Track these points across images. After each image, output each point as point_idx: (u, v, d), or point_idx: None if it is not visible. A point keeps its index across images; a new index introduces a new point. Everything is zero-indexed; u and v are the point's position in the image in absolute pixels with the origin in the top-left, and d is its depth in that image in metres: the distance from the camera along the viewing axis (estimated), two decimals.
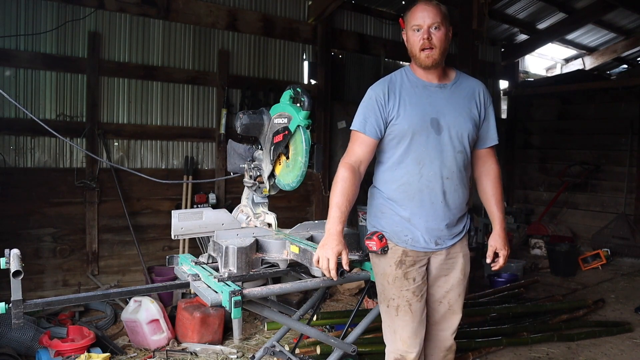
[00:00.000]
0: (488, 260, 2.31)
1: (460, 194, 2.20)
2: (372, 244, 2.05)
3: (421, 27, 2.07)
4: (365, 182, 2.19)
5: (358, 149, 2.12)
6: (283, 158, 2.47)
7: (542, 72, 10.06)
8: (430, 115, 2.12)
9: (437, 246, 2.18)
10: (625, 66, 9.59)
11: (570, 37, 8.44)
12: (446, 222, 2.17)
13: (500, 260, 2.29)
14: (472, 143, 2.22)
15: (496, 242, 2.29)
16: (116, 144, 4.81)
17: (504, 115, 8.94)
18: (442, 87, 2.18)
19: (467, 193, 2.25)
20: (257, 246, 2.26)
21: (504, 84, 8.85)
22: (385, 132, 2.14)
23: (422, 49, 2.08)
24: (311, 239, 2.37)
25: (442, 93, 2.17)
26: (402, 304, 2.13)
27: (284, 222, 2.61)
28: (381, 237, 2.07)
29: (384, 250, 2.07)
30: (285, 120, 2.38)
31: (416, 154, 2.12)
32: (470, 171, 2.29)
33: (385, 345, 2.26)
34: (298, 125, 2.32)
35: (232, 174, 2.82)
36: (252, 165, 2.63)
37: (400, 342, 2.14)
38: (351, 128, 2.17)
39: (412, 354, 2.15)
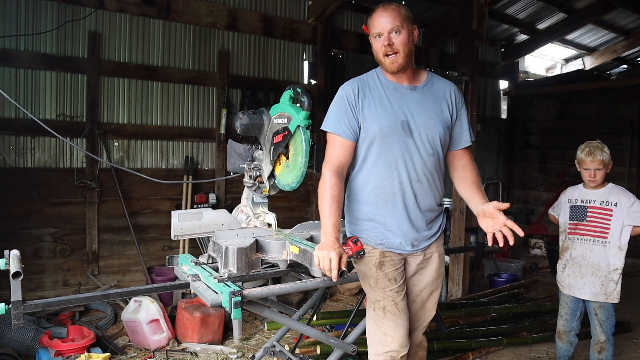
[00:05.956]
0: (502, 206, 1.96)
1: (432, 197, 2.19)
2: (347, 249, 2.03)
3: (382, 34, 2.07)
4: None
5: (339, 153, 2.11)
6: (283, 158, 2.47)
7: (542, 72, 10.06)
8: (400, 118, 2.11)
9: (414, 248, 2.19)
10: (625, 66, 9.58)
11: (570, 37, 8.44)
12: (420, 224, 2.18)
13: (508, 222, 1.94)
14: (444, 145, 2.20)
15: (491, 203, 2.02)
16: (116, 144, 4.82)
17: (504, 115, 8.94)
18: (413, 89, 2.17)
19: (439, 195, 2.24)
20: (257, 246, 2.26)
21: (504, 84, 8.85)
22: (359, 132, 2.13)
23: (386, 55, 2.07)
24: (311, 239, 2.37)
25: (413, 95, 2.16)
26: (389, 304, 2.14)
27: (284, 222, 2.60)
28: (356, 241, 2.05)
29: (360, 254, 2.05)
30: (285, 121, 2.37)
31: (387, 157, 2.11)
32: (443, 173, 2.27)
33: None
34: (298, 126, 2.32)
35: (232, 174, 2.82)
36: (252, 165, 2.63)
37: (392, 343, 2.14)
38: (325, 129, 2.14)
39: (403, 352, 2.16)
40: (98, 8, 4.56)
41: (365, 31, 2.18)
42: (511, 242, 1.95)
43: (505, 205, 1.98)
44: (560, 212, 3.16)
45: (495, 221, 1.99)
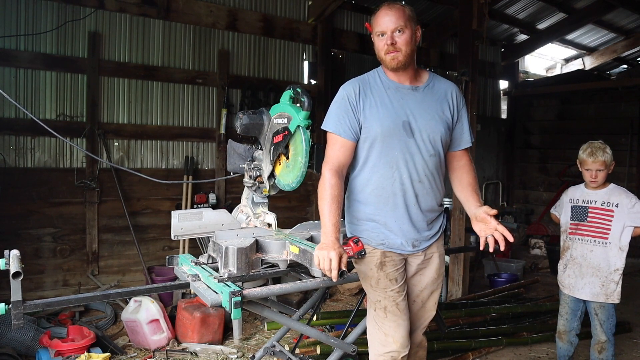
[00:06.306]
0: (491, 213, 2.02)
1: (433, 197, 2.20)
2: (348, 249, 2.02)
3: (385, 33, 2.07)
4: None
5: (339, 153, 2.11)
6: (283, 158, 2.47)
7: (542, 72, 10.07)
8: (402, 118, 2.10)
9: (414, 248, 2.18)
10: (625, 66, 9.59)
11: (570, 37, 8.45)
12: (421, 225, 2.18)
13: (499, 227, 1.97)
14: (445, 146, 2.20)
15: (482, 208, 2.06)
16: (116, 144, 4.82)
17: (504, 115, 8.94)
18: (415, 89, 2.16)
19: (440, 195, 2.24)
20: (257, 246, 2.25)
21: (504, 84, 8.85)
22: (360, 133, 2.13)
23: (387, 53, 2.08)
24: (311, 239, 2.37)
25: (414, 95, 2.15)
26: (390, 304, 2.14)
27: (284, 222, 2.60)
28: (357, 242, 2.04)
29: (361, 254, 2.05)
30: (285, 121, 2.37)
31: (388, 158, 2.11)
32: (444, 173, 2.27)
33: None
34: (298, 126, 2.32)
35: (232, 174, 2.82)
36: (252, 165, 2.63)
37: (393, 343, 2.14)
38: (325, 129, 2.14)
39: (404, 352, 2.15)
40: (98, 8, 4.56)
41: (368, 29, 2.18)
42: (502, 247, 1.98)
43: (494, 211, 2.03)
44: (562, 211, 3.15)
45: (487, 225, 2.04)
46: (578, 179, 3.16)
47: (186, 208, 5.00)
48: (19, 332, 3.46)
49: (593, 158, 2.91)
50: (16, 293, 1.81)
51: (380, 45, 2.10)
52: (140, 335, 3.72)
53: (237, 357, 3.65)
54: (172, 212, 2.47)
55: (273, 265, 2.29)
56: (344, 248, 1.99)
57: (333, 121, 2.13)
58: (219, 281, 2.03)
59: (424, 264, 2.24)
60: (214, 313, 3.81)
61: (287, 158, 2.44)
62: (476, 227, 2.10)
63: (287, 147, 2.42)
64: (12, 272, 1.80)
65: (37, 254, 4.44)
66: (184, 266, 2.39)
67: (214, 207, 5.08)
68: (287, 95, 2.41)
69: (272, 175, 2.54)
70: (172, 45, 5.03)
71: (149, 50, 4.91)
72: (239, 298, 1.90)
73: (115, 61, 4.73)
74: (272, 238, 2.31)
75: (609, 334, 2.99)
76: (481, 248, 2.08)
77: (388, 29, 2.06)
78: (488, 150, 8.50)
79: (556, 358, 3.28)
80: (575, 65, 9.44)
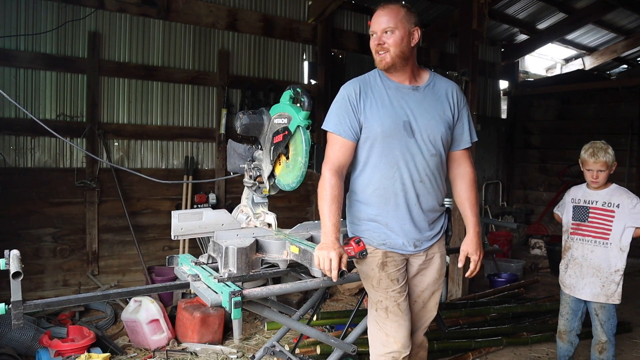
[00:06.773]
0: (460, 264, 2.27)
1: (434, 197, 2.20)
2: (350, 249, 2.03)
3: (375, 33, 2.10)
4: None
5: (339, 153, 2.11)
6: (283, 158, 2.47)
7: (542, 72, 10.07)
8: (402, 118, 2.10)
9: (416, 249, 2.18)
10: (625, 66, 9.59)
11: (570, 37, 8.45)
12: (422, 225, 2.18)
13: (471, 266, 2.24)
14: (446, 145, 2.20)
15: (468, 247, 2.25)
16: (116, 144, 4.82)
17: (504, 115, 8.94)
18: (415, 89, 2.17)
19: (441, 195, 2.25)
20: (257, 246, 2.26)
21: (504, 84, 8.85)
22: (360, 133, 2.13)
23: (376, 53, 2.11)
24: (311, 239, 2.37)
25: (415, 95, 2.15)
26: (391, 304, 2.13)
27: (284, 222, 2.60)
28: (358, 242, 2.05)
29: (362, 254, 2.06)
30: (285, 121, 2.37)
31: (389, 158, 2.11)
32: (445, 173, 2.27)
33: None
34: (298, 126, 2.32)
35: (232, 174, 2.82)
36: (252, 165, 2.63)
37: (395, 343, 2.13)
38: (325, 129, 2.14)
39: (405, 353, 2.15)
40: (98, 8, 4.56)
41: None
42: (466, 274, 2.29)
43: (473, 261, 2.25)
44: (564, 211, 3.15)
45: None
46: (578, 179, 3.17)
47: (186, 208, 5.00)
48: (19, 332, 3.46)
49: (594, 158, 2.91)
50: (16, 293, 1.81)
51: (371, 44, 2.14)
52: (140, 335, 3.72)
53: (237, 357, 3.65)
54: (172, 212, 2.47)
55: (273, 265, 2.29)
56: (346, 248, 1.99)
57: (333, 121, 2.13)
58: (219, 281, 2.03)
59: (425, 265, 2.24)
60: (214, 313, 3.81)
61: (287, 158, 2.44)
62: (463, 246, 2.27)
63: (287, 147, 2.42)
64: (12, 272, 1.80)
65: (37, 254, 4.44)
66: (184, 266, 2.39)
67: (214, 207, 5.08)
68: (287, 95, 2.41)
69: (272, 175, 2.54)
70: (172, 45, 5.03)
71: (149, 50, 4.91)
72: (239, 298, 1.90)
73: (115, 61, 4.73)
74: (272, 238, 2.31)
75: (610, 335, 2.98)
76: (460, 265, 2.29)
77: (378, 29, 2.08)
78: (488, 150, 8.50)
79: (556, 358, 3.28)
80: (575, 65, 9.44)
